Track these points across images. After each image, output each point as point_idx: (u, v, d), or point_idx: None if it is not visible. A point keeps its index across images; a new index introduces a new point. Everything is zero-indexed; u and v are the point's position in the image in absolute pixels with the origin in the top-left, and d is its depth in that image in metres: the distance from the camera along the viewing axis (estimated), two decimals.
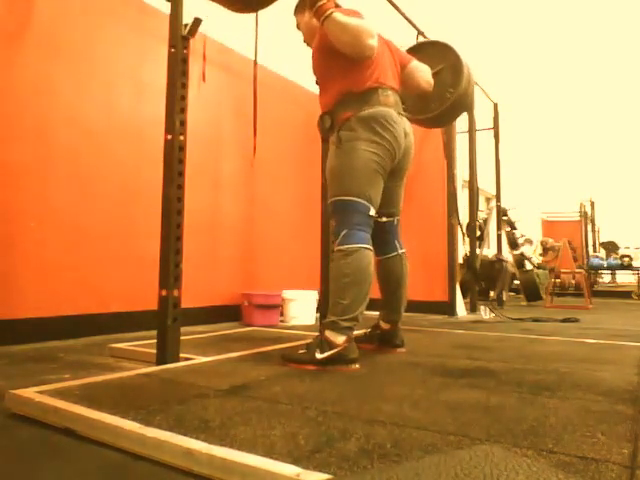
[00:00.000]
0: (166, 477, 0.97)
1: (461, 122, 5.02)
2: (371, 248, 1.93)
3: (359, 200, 1.91)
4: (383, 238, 2.24)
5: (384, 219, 2.22)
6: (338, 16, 1.86)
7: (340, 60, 1.97)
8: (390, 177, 2.08)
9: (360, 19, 1.93)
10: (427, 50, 2.72)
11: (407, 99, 2.18)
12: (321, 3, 1.88)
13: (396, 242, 2.26)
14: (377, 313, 2.31)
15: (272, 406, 1.31)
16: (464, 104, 2.63)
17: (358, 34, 1.87)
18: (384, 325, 2.27)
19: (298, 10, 2.22)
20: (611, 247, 10.39)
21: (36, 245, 2.65)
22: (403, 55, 2.26)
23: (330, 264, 1.94)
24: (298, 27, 2.26)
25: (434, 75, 2.32)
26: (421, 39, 4.23)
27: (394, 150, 2.00)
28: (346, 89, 1.99)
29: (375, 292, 2.30)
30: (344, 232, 1.90)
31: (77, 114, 2.88)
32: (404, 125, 2.06)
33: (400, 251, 2.26)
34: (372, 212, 1.95)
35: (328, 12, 1.86)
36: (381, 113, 1.97)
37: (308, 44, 2.23)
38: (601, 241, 11.62)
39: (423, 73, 2.26)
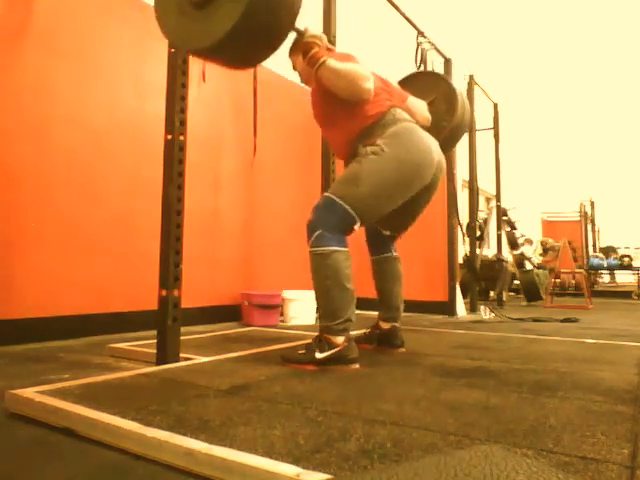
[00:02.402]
0: (166, 477, 0.97)
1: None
2: (347, 249, 1.86)
3: (350, 212, 1.84)
4: (380, 241, 2.28)
5: (388, 233, 2.24)
6: (331, 63, 1.84)
7: (343, 102, 1.94)
8: (418, 196, 2.00)
9: (353, 63, 1.91)
10: (418, 81, 2.69)
11: None
12: (313, 52, 1.87)
13: (391, 247, 2.29)
14: (376, 313, 2.32)
15: (272, 406, 1.31)
16: (461, 131, 2.63)
17: (353, 79, 1.86)
18: (384, 325, 2.27)
19: (293, 52, 2.18)
20: (609, 251, 10.39)
21: (36, 245, 2.65)
22: (400, 92, 2.22)
23: (310, 267, 1.88)
24: (294, 68, 2.22)
25: (428, 105, 2.32)
26: (421, 39, 4.24)
27: (424, 165, 1.93)
28: (359, 125, 1.94)
29: (372, 292, 2.32)
30: (318, 232, 1.83)
31: (77, 114, 2.88)
32: (431, 140, 2.00)
33: (394, 254, 2.29)
34: (357, 227, 1.90)
35: (321, 61, 1.85)
36: (406, 128, 1.93)
37: (306, 84, 2.21)
38: (601, 246, 11.61)
39: (420, 110, 2.23)
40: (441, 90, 2.58)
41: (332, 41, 2.83)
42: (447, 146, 2.51)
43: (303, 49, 1.90)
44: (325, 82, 1.90)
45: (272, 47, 1.59)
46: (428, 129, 2.09)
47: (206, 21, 1.49)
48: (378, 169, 1.86)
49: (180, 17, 1.56)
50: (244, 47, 1.55)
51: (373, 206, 1.90)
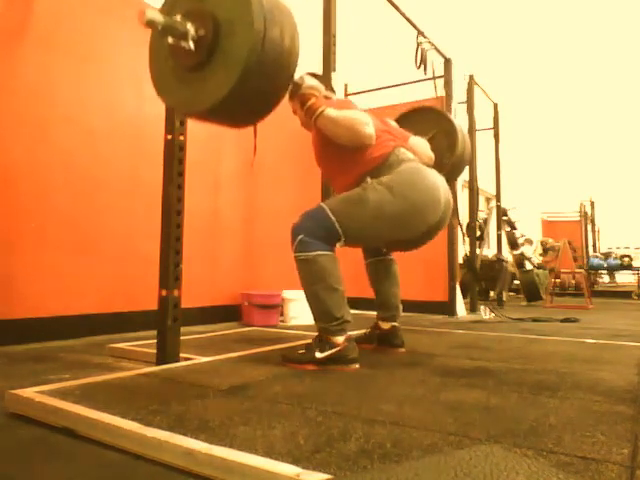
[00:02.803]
0: (166, 477, 0.97)
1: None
2: (329, 253, 1.85)
3: (337, 228, 1.83)
4: (374, 249, 2.29)
5: (384, 250, 2.26)
6: (329, 113, 1.83)
7: (344, 148, 1.93)
8: (424, 235, 1.99)
9: (352, 110, 1.90)
10: (417, 116, 2.70)
11: None
12: (310, 103, 1.86)
13: (384, 251, 2.30)
14: (376, 313, 2.32)
15: (272, 406, 1.31)
16: (462, 166, 2.64)
17: (353, 126, 1.84)
18: (383, 325, 2.27)
19: (292, 97, 2.12)
20: (607, 256, 10.37)
21: (36, 245, 2.64)
22: (401, 132, 2.22)
23: (297, 271, 1.88)
24: (294, 113, 2.17)
25: (429, 141, 2.32)
26: (421, 39, 4.24)
27: (429, 207, 1.90)
28: (364, 169, 1.92)
29: (369, 292, 2.32)
30: (301, 237, 1.83)
31: (77, 114, 2.88)
32: (437, 177, 1.96)
33: (388, 256, 2.30)
34: (339, 245, 1.88)
35: (319, 111, 1.83)
36: (413, 167, 1.91)
37: (306, 129, 2.16)
38: (602, 252, 11.60)
39: (423, 149, 2.22)
40: (441, 126, 2.58)
41: (332, 41, 2.83)
42: (448, 181, 2.51)
43: (300, 100, 1.88)
44: (325, 131, 1.89)
45: (269, 108, 1.57)
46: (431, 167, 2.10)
47: (203, 84, 1.47)
48: (380, 203, 1.83)
49: (178, 84, 1.54)
50: (241, 110, 1.53)
51: (361, 233, 1.89)
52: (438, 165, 2.31)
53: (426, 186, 1.89)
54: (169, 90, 1.58)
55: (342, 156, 1.94)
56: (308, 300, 1.89)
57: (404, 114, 2.72)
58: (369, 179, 1.88)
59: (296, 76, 1.86)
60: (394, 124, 2.32)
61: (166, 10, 1.53)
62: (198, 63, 1.45)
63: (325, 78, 2.48)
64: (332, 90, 2.23)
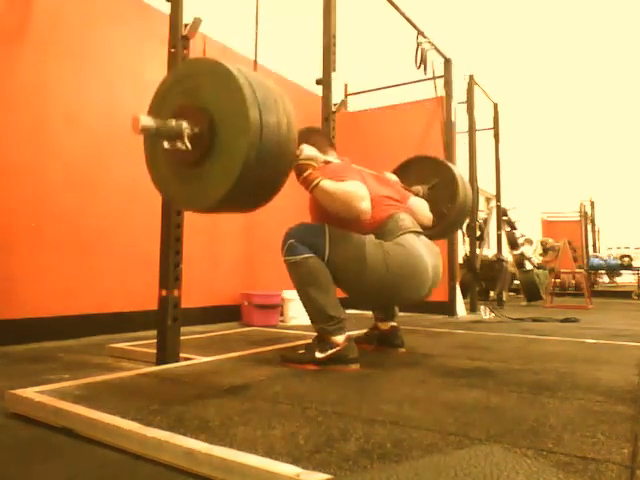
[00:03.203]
0: (166, 477, 0.97)
1: (461, 122, 5.03)
2: (316, 255, 1.85)
3: (325, 252, 1.85)
4: None
5: None
6: (325, 185, 1.82)
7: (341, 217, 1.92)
8: (401, 302, 2.10)
9: (349, 182, 1.87)
10: (417, 165, 2.69)
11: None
12: (306, 174, 1.85)
13: None
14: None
15: (272, 406, 1.31)
16: (464, 216, 2.64)
17: (349, 201, 1.83)
18: (382, 325, 2.27)
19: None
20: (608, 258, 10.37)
21: (36, 245, 2.64)
22: (402, 193, 2.22)
23: (289, 275, 1.90)
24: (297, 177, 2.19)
25: (429, 189, 2.34)
26: (421, 39, 4.24)
27: (413, 289, 1.93)
28: (362, 233, 1.91)
29: None
30: (290, 241, 1.85)
31: (77, 114, 2.88)
32: (430, 254, 1.99)
33: None
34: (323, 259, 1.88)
35: (314, 183, 1.83)
36: (409, 242, 1.92)
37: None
38: (602, 251, 11.60)
39: (422, 210, 2.24)
40: (441, 175, 2.57)
41: (332, 41, 2.83)
42: (449, 231, 2.49)
43: (297, 170, 1.87)
44: (321, 202, 1.88)
45: (273, 193, 1.53)
46: (432, 213, 2.09)
47: (204, 182, 1.44)
48: (373, 262, 1.84)
49: (179, 183, 1.51)
50: (245, 200, 1.50)
51: (341, 272, 1.88)
52: (438, 214, 2.30)
53: (417, 267, 1.91)
54: (172, 191, 1.55)
55: (340, 222, 1.92)
56: (302, 303, 1.90)
57: (403, 164, 2.70)
58: (371, 235, 1.90)
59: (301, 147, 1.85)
60: (394, 178, 2.33)
61: (155, 108, 1.51)
62: (196, 160, 1.41)
63: (325, 133, 2.43)
64: (332, 145, 2.19)
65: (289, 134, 1.42)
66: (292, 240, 1.86)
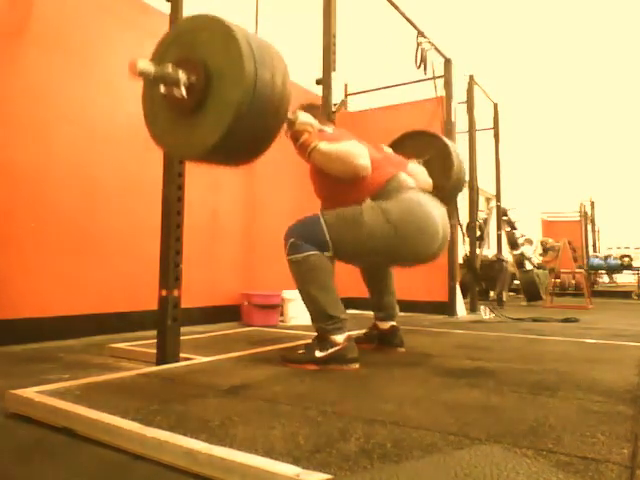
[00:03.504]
0: (166, 477, 0.97)
1: (461, 122, 5.03)
2: (319, 253, 1.85)
3: (328, 240, 1.85)
4: None
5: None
6: (322, 147, 1.83)
7: (344, 179, 1.92)
8: (416, 262, 1.99)
9: (346, 141, 1.88)
10: (411, 140, 2.68)
11: None
12: (303, 139, 1.86)
13: None
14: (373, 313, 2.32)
15: (272, 406, 1.31)
16: (459, 187, 2.64)
17: (347, 159, 1.84)
18: (382, 325, 2.27)
19: (286, 131, 2.17)
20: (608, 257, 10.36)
21: (36, 245, 2.64)
22: (400, 159, 2.21)
23: (291, 274, 1.90)
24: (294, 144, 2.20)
25: (424, 164, 2.32)
26: (421, 39, 4.24)
27: (424, 244, 1.89)
28: (363, 196, 1.90)
29: (366, 292, 2.32)
30: (292, 241, 1.86)
31: (77, 114, 2.88)
32: (436, 208, 1.95)
33: None
34: (327, 255, 1.88)
35: (311, 147, 1.84)
36: (413, 198, 1.90)
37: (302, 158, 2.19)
38: (602, 251, 11.60)
39: (421, 175, 2.22)
40: (436, 149, 2.57)
41: (332, 41, 2.83)
42: (446, 203, 2.48)
43: (293, 136, 1.88)
44: (320, 166, 1.89)
45: (263, 149, 1.59)
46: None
47: (196, 130, 1.48)
48: (374, 228, 1.83)
49: (172, 130, 1.56)
50: (236, 152, 1.55)
51: (349, 252, 1.89)
52: (435, 188, 2.30)
53: (425, 219, 1.87)
54: (164, 137, 1.59)
55: (341, 187, 1.92)
56: (304, 301, 1.91)
57: (397, 139, 2.70)
58: (369, 200, 1.88)
59: (296, 111, 1.87)
60: (389, 151, 2.32)
61: (157, 59, 1.54)
62: (191, 108, 1.47)
63: (323, 108, 2.45)
64: (330, 120, 2.20)
65: (282, 91, 1.47)
66: (293, 239, 1.87)
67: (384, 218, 1.83)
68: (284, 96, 1.48)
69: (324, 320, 1.84)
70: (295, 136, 1.87)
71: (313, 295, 1.85)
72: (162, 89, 1.46)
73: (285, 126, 1.92)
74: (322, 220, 1.88)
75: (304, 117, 1.88)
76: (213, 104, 1.44)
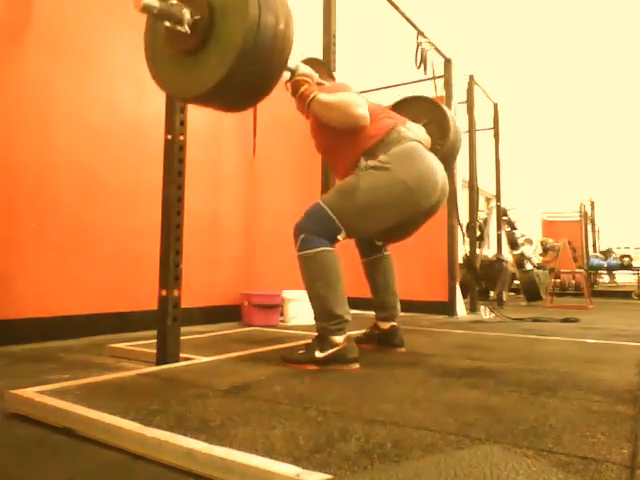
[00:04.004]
0: (166, 477, 0.97)
1: (461, 122, 5.03)
2: (331, 249, 1.86)
3: (336, 222, 1.85)
4: (370, 243, 2.28)
5: (380, 244, 2.25)
6: (321, 98, 1.86)
7: (343, 131, 1.93)
8: (418, 218, 1.99)
9: (344, 92, 1.90)
10: (408, 106, 2.68)
11: None
12: (302, 90, 1.88)
13: (381, 247, 2.29)
14: (374, 313, 2.32)
15: (272, 406, 1.31)
16: (455, 153, 2.65)
17: (345, 108, 1.86)
18: (383, 325, 2.27)
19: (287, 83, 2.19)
20: (608, 253, 10.38)
21: (36, 245, 2.64)
22: (399, 116, 2.21)
23: (300, 271, 1.90)
24: (292, 95, 2.18)
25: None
26: (421, 39, 4.24)
27: (425, 192, 1.89)
28: (362, 147, 1.92)
29: (367, 292, 2.32)
30: (302, 236, 1.85)
31: (78, 114, 2.88)
32: (435, 160, 1.97)
33: (385, 253, 2.30)
34: (340, 237, 1.89)
35: (310, 97, 1.86)
36: (413, 147, 1.91)
37: (301, 112, 2.16)
38: (601, 250, 11.61)
39: (419, 132, 2.21)
40: (433, 114, 2.58)
41: (332, 41, 2.83)
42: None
43: (293, 87, 1.90)
44: (319, 116, 1.91)
45: (264, 92, 1.59)
46: None
47: (198, 69, 1.50)
48: (374, 187, 1.84)
49: (173, 69, 1.57)
50: (236, 94, 1.56)
51: (360, 222, 1.90)
52: (431, 152, 2.31)
53: (425, 166, 1.89)
54: (165, 75, 1.61)
55: (340, 139, 1.95)
56: (310, 298, 1.90)
57: (396, 104, 2.72)
58: (363, 161, 1.89)
59: (297, 61, 1.90)
60: (395, 113, 2.32)
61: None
62: (194, 47, 1.48)
63: (325, 63, 2.48)
64: (331, 76, 2.22)
65: (285, 34, 1.48)
66: (304, 234, 1.86)
67: (381, 171, 1.84)
68: (287, 40, 1.49)
69: (328, 319, 1.83)
70: (295, 86, 1.90)
71: (321, 292, 1.84)
72: (166, 23, 1.47)
73: (286, 78, 1.98)
74: (324, 206, 1.88)
75: (304, 68, 1.92)
76: (216, 43, 1.45)
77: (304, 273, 1.88)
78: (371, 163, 1.87)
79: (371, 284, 2.30)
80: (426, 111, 2.60)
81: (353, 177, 1.89)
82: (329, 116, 1.90)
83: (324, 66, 2.26)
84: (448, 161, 2.63)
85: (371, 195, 1.85)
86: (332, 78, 2.21)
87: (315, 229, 1.86)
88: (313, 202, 1.95)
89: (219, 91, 1.47)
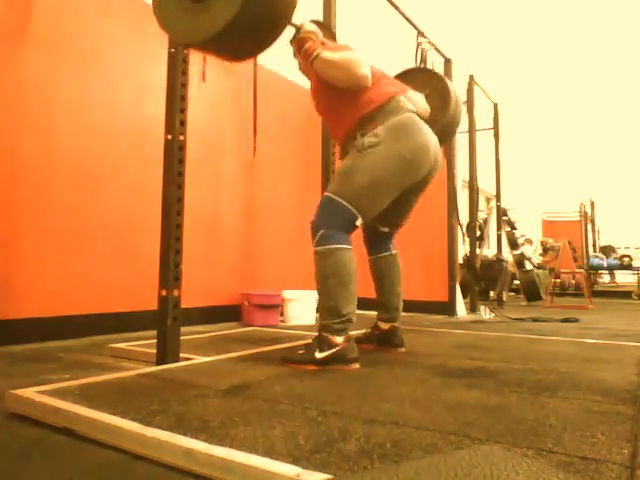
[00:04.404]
0: (166, 477, 0.97)
1: (461, 122, 5.02)
2: (350, 247, 1.88)
3: (349, 207, 1.87)
4: (378, 240, 2.27)
5: (386, 229, 2.24)
6: (325, 55, 1.87)
7: (344, 92, 1.95)
8: (412, 190, 2.04)
9: (348, 51, 1.92)
10: (412, 76, 2.70)
11: None
12: (307, 46, 1.89)
13: (390, 244, 2.29)
14: (376, 313, 2.31)
15: (272, 406, 1.31)
16: (454, 126, 2.65)
17: (348, 67, 1.88)
18: (383, 325, 2.27)
19: (292, 41, 2.17)
20: (609, 250, 10.39)
21: (36, 245, 2.64)
22: (400, 84, 2.23)
23: (314, 267, 1.91)
24: (295, 56, 2.21)
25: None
26: (421, 39, 4.24)
27: (419, 163, 1.94)
28: (362, 111, 1.94)
29: (370, 292, 2.31)
30: (321, 232, 1.86)
31: (78, 114, 2.88)
32: (431, 133, 2.01)
33: (393, 252, 2.29)
34: (358, 222, 1.91)
35: (315, 53, 1.87)
36: (408, 119, 1.93)
37: (304, 73, 2.21)
38: (601, 245, 11.62)
39: (419, 101, 2.23)
40: (435, 86, 2.59)
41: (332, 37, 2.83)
42: (442, 140, 2.51)
43: (298, 43, 1.92)
44: (321, 74, 1.92)
45: (270, 39, 1.62)
46: (425, 122, 2.11)
47: (205, 14, 1.52)
48: (374, 163, 1.88)
49: (180, 14, 1.59)
50: (243, 38, 1.57)
51: (370, 200, 1.92)
52: (430, 123, 2.33)
53: (416, 144, 1.93)
54: (172, 21, 1.62)
55: (341, 100, 1.97)
56: (319, 294, 1.90)
57: (400, 74, 2.73)
58: (359, 138, 1.91)
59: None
60: (396, 80, 2.33)
61: None
62: None
63: (329, 26, 2.51)
64: (333, 38, 2.24)
65: None
66: (322, 230, 1.86)
67: (377, 148, 1.87)
68: None
69: (333, 317, 1.83)
70: (299, 43, 1.91)
71: (332, 289, 1.84)
72: None
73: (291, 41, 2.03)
74: (333, 196, 1.90)
75: (309, 26, 1.94)
76: None
77: (318, 269, 1.88)
78: (367, 142, 1.89)
79: (376, 283, 2.29)
80: (429, 83, 2.61)
81: (350, 160, 1.93)
82: (332, 74, 1.91)
83: (328, 29, 2.28)
84: (448, 133, 2.66)
85: (373, 171, 1.88)
86: (334, 40, 2.24)
87: (332, 221, 1.87)
88: (321, 198, 1.96)
89: (226, 35, 1.49)
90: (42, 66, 2.72)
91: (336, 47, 1.98)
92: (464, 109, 5.13)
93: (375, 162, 1.88)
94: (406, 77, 2.66)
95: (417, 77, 2.67)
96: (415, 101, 2.16)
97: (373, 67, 2.02)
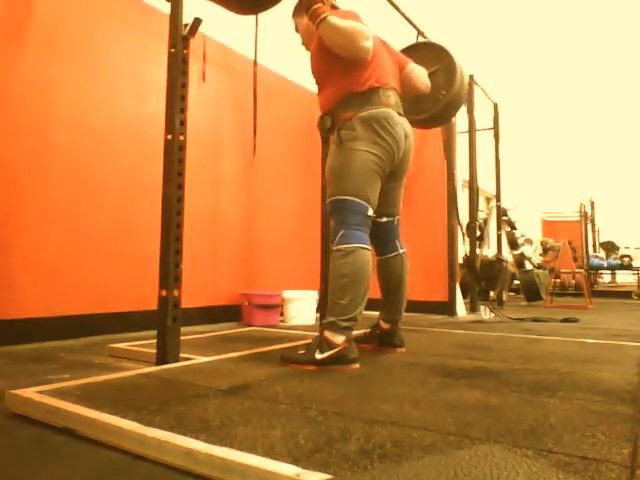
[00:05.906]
0: (166, 477, 0.97)
1: (461, 122, 5.03)
2: (369, 248, 1.93)
3: (357, 200, 1.92)
4: (383, 238, 2.25)
5: (384, 219, 2.22)
6: (332, 19, 1.87)
7: (339, 61, 1.98)
8: (389, 178, 2.10)
9: (355, 21, 1.93)
10: (421, 51, 2.72)
11: (403, 101, 2.19)
12: (316, 7, 1.89)
13: (397, 242, 2.26)
14: (377, 313, 2.31)
15: (272, 406, 1.31)
16: (457, 105, 2.66)
17: (352, 36, 1.89)
18: (384, 325, 2.27)
19: (296, 13, 2.23)
20: (610, 247, 10.38)
21: (36, 245, 2.64)
22: (401, 57, 2.28)
23: (330, 264, 1.95)
24: (296, 30, 2.27)
25: (429, 75, 2.34)
26: (421, 39, 4.24)
27: (393, 152, 2.01)
28: (347, 90, 2.00)
29: (375, 292, 2.30)
30: (342, 232, 1.90)
31: (78, 114, 2.88)
32: (404, 126, 2.07)
33: (400, 251, 2.26)
34: (370, 212, 1.96)
35: (322, 16, 1.88)
36: (382, 114, 1.98)
37: (306, 47, 2.23)
38: (601, 241, 11.62)
39: (420, 75, 2.28)
40: (443, 63, 2.60)
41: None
42: (441, 119, 2.53)
43: (307, 3, 1.92)
44: (325, 39, 1.93)
45: None
46: (427, 98, 2.11)
47: None
48: (356, 152, 1.93)
49: None
50: None
51: (368, 188, 1.95)
52: (434, 99, 2.32)
53: (392, 129, 1.98)
54: None
55: (334, 67, 2.00)
56: (331, 290, 1.90)
57: (409, 47, 2.73)
58: (337, 133, 1.97)
59: None
60: (399, 53, 2.36)
61: None
62: None
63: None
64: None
65: None
66: (343, 230, 1.90)
67: (356, 140, 1.93)
68: None
69: (340, 314, 1.83)
70: (308, 3, 1.92)
71: (346, 286, 1.84)
72: None
73: (294, 9, 2.08)
74: (339, 197, 1.94)
75: None
76: None
77: (334, 266, 1.90)
78: (345, 135, 1.95)
79: (381, 284, 2.28)
80: (436, 59, 2.63)
81: (335, 158, 1.99)
82: (335, 40, 1.91)
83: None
84: (450, 110, 2.67)
85: (359, 162, 1.93)
86: (335, 6, 2.27)
87: (348, 219, 1.91)
88: (327, 205, 2.02)
89: None
90: (41, 66, 2.72)
91: (345, 14, 1.98)
92: (464, 109, 5.14)
93: (357, 155, 1.93)
94: (415, 50, 2.67)
95: (428, 52, 2.68)
96: (416, 75, 2.23)
97: (377, 41, 2.05)
